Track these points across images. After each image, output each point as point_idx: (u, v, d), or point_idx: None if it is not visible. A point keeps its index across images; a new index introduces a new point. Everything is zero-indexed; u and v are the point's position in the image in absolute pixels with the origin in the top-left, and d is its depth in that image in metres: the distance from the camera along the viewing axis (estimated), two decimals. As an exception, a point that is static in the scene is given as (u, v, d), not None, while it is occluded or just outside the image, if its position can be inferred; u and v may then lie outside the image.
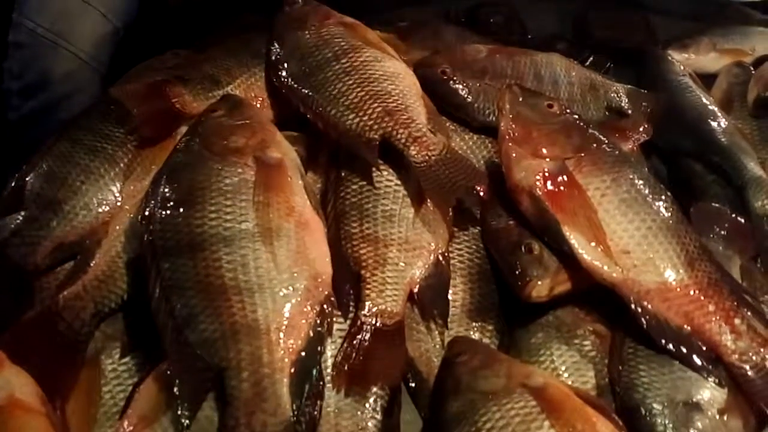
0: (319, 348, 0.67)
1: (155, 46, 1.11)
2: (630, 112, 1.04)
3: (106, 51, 1.24)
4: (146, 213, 0.74)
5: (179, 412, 0.64)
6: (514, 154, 0.81)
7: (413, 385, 0.78)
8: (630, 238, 0.77)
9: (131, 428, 0.65)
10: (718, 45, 1.20)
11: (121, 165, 0.84)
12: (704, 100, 1.07)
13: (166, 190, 0.74)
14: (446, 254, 0.82)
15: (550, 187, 0.79)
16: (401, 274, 0.80)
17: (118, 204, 0.82)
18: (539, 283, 0.78)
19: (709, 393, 0.71)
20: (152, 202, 0.74)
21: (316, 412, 0.68)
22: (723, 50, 1.20)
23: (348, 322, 0.76)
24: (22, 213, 0.81)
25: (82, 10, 1.17)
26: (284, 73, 0.92)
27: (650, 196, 0.79)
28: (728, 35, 1.22)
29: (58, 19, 1.19)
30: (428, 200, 0.83)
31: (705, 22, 1.25)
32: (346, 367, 0.73)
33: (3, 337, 0.73)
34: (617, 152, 0.83)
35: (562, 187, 0.79)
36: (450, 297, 0.81)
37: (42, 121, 1.24)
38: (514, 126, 0.82)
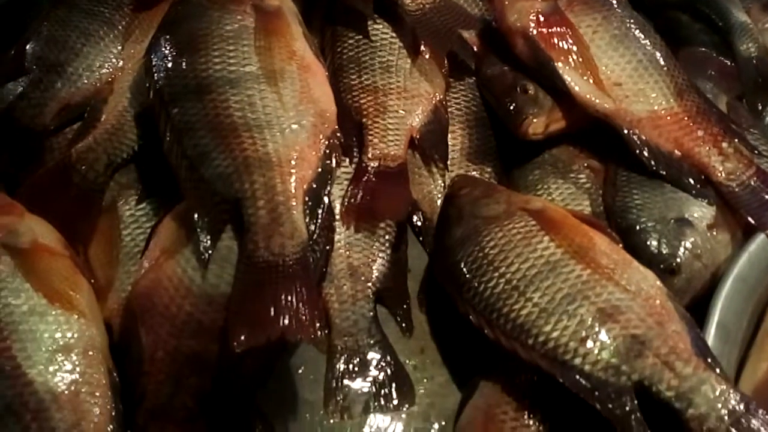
0: (328, 178, 0.70)
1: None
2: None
3: None
4: (151, 63, 0.75)
5: (200, 242, 0.67)
6: (506, -3, 0.83)
7: (419, 224, 0.82)
8: (621, 71, 0.80)
9: (154, 260, 0.68)
10: None
11: (120, 27, 0.85)
12: (689, -47, 1.08)
13: (169, 40, 0.75)
14: (444, 101, 0.85)
15: (543, 27, 0.81)
16: (402, 120, 0.82)
17: (120, 65, 0.83)
18: (535, 120, 0.81)
19: (699, 210, 0.75)
20: (156, 52, 0.75)
21: (328, 243, 0.72)
22: None
23: (353, 166, 0.80)
24: (26, 77, 0.82)
25: None
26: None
27: (639, 33, 0.82)
28: None
29: None
30: (424, 50, 0.86)
31: None
32: (354, 205, 0.77)
33: (21, 191, 0.76)
34: (607, -8, 0.85)
35: (554, 27, 0.81)
36: (449, 142, 0.85)
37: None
38: (505, -31, 0.84)
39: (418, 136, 0.82)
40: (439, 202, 0.81)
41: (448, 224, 0.74)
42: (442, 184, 0.83)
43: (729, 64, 0.94)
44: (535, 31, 0.81)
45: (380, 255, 0.76)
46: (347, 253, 0.75)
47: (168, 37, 0.76)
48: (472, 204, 0.74)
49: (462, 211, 0.74)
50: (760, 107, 0.90)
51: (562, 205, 0.79)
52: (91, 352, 0.65)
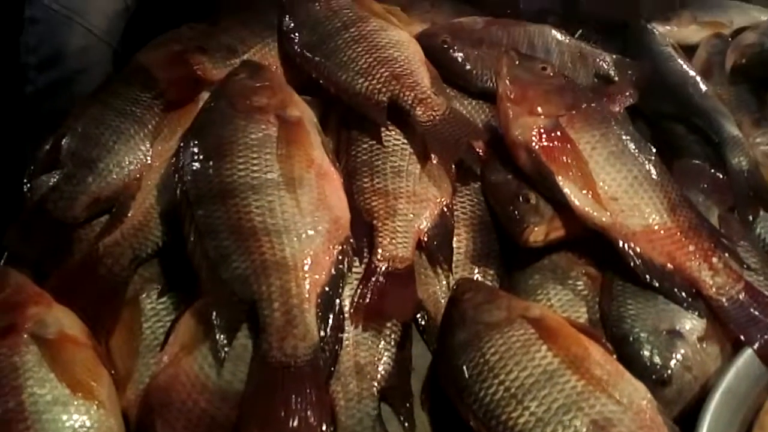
0: (340, 282, 0.74)
1: (163, 22, 1.18)
2: (617, 79, 1.11)
3: (118, 27, 1.30)
4: (179, 165, 0.81)
5: (217, 341, 0.71)
6: (511, 113, 0.88)
7: (423, 323, 0.85)
8: (618, 186, 0.84)
9: (173, 356, 0.72)
10: (698, 18, 1.27)
11: (149, 127, 0.90)
12: (685, 68, 1.15)
13: (197, 144, 0.81)
14: (450, 206, 0.90)
15: (545, 142, 0.86)
16: (410, 223, 0.87)
17: (148, 162, 0.89)
18: (536, 229, 0.86)
19: (690, 323, 0.79)
20: (184, 155, 0.81)
21: (338, 343, 0.76)
22: (703, 23, 1.27)
23: (363, 266, 0.84)
24: (59, 171, 0.88)
25: None
26: (297, 42, 0.99)
27: (636, 150, 0.87)
28: (708, 9, 1.29)
29: None
30: (433, 157, 0.91)
31: (685, -4, 1.32)
32: (363, 305, 0.80)
33: (49, 281, 0.80)
34: (606, 110, 0.91)
35: (556, 142, 0.86)
36: (454, 245, 0.89)
37: (57, 93, 1.30)
38: (511, 87, 0.89)
39: (425, 239, 0.87)
40: (443, 302, 0.85)
41: (451, 328, 0.78)
42: (446, 285, 0.87)
43: (721, 177, 0.99)
44: (537, 146, 0.86)
45: (386, 354, 0.80)
46: (354, 351, 0.79)
47: (196, 141, 0.82)
48: (474, 309, 0.78)
49: (465, 315, 0.78)
50: (750, 219, 0.95)
51: (560, 310, 0.83)
52: (109, 443, 0.69)
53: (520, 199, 0.87)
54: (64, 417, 0.69)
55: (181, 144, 0.83)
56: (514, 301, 0.80)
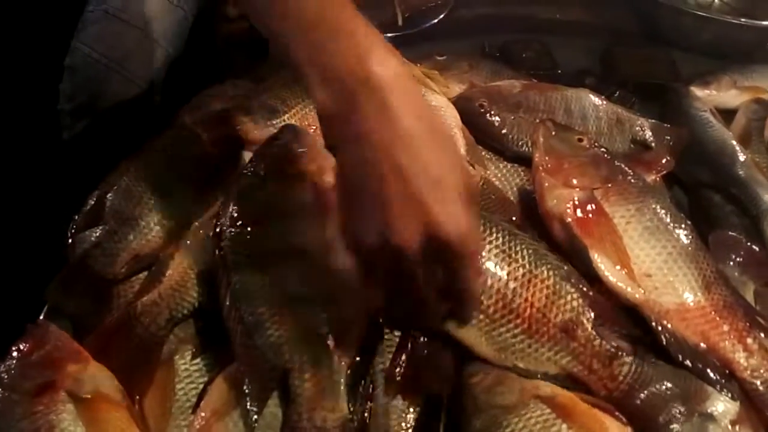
0: (371, 355, 0.75)
1: (206, 75, 1.21)
2: (654, 145, 1.11)
3: (159, 76, 1.33)
4: (217, 230, 0.82)
5: (248, 407, 0.72)
6: (546, 184, 0.89)
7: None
8: (652, 262, 0.84)
9: (204, 420, 0.73)
10: (738, 82, 1.27)
11: (191, 186, 0.93)
12: (724, 135, 1.14)
13: (235, 210, 0.83)
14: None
15: (579, 214, 0.87)
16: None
17: (189, 222, 0.91)
18: (569, 301, 0.86)
19: (723, 405, 0.78)
20: (223, 220, 0.83)
21: (367, 414, 0.76)
22: (743, 87, 1.26)
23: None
24: (102, 227, 0.90)
25: (138, 39, 1.26)
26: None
27: (671, 225, 0.87)
28: (748, 73, 1.28)
29: (113, 47, 1.27)
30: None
31: (726, 60, 1.32)
32: (397, 376, 0.80)
33: (88, 339, 0.82)
34: (641, 183, 0.91)
35: (590, 215, 0.86)
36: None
37: (94, 139, 1.33)
38: (547, 158, 0.90)
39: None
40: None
41: (467, 416, 0.77)
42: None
43: (758, 250, 0.98)
44: (571, 218, 0.86)
45: (416, 423, 0.80)
46: (383, 420, 0.79)
47: (235, 205, 0.83)
48: (486, 393, 0.78)
49: (477, 400, 0.77)
50: (788, 296, 0.94)
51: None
52: (140, 506, 0.70)
53: (554, 271, 0.88)
54: (97, 479, 0.70)
55: (221, 206, 0.85)
56: (525, 382, 0.79)
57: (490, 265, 0.80)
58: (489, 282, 0.80)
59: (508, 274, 0.80)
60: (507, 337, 0.79)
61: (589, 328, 0.80)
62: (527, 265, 0.81)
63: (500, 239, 0.82)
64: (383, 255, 0.62)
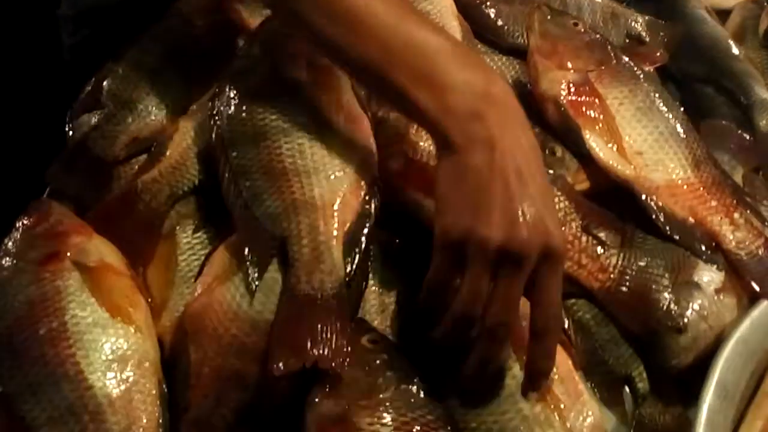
0: (367, 222, 0.77)
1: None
2: (648, 39, 1.12)
3: None
4: (214, 110, 0.83)
5: (249, 273, 0.74)
6: (541, 67, 0.90)
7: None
8: (643, 141, 0.86)
9: (207, 285, 0.76)
10: (734, -19, 1.27)
11: (188, 71, 0.93)
12: (718, 31, 1.14)
13: (232, 89, 0.84)
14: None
15: (573, 96, 0.88)
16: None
17: (186, 105, 0.92)
18: (561, 181, 0.88)
19: (708, 275, 0.81)
20: (219, 100, 0.84)
21: (363, 281, 0.78)
22: (738, -13, 1.26)
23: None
24: (100, 111, 0.91)
25: None
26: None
27: (663, 106, 0.89)
28: (744, -27, 1.28)
29: None
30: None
31: (722, -40, 1.31)
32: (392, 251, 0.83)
33: (90, 215, 0.84)
34: (635, 67, 0.92)
35: (584, 96, 0.88)
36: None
37: (97, 45, 1.33)
38: (542, 41, 0.91)
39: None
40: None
41: None
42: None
43: (748, 138, 0.99)
44: (565, 99, 0.88)
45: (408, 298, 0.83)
46: (380, 290, 0.82)
47: (231, 86, 0.84)
48: None
49: None
50: (775, 180, 0.96)
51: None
52: (145, 364, 0.72)
53: (547, 151, 0.89)
54: (104, 338, 0.72)
55: (217, 88, 0.85)
56: None
57: None
58: None
59: None
60: None
61: (576, 227, 0.82)
62: None
63: None
64: (497, 252, 0.66)
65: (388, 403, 0.68)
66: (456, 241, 0.67)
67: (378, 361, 0.70)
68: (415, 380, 0.70)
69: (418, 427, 0.67)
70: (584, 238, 0.82)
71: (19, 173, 0.92)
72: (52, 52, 1.33)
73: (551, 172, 0.85)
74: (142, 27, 1.30)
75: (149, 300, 0.78)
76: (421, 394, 0.69)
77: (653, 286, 0.80)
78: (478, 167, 0.67)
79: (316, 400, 0.68)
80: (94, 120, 0.91)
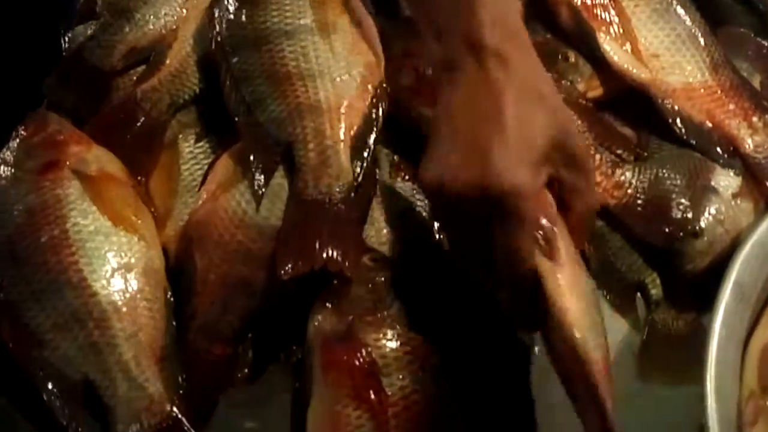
0: (374, 126, 0.74)
1: None
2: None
3: None
4: (213, 16, 0.81)
5: (254, 180, 0.72)
6: (553, -32, 0.86)
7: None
8: (660, 43, 0.83)
9: (211, 193, 0.74)
10: None
11: (185, -23, 0.90)
12: (736, -63, 1.10)
13: (229, -6, 0.81)
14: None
15: (587, -2, 0.85)
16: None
17: (184, 13, 0.88)
18: (575, 87, 0.85)
19: (725, 179, 0.79)
20: (218, 5, 0.81)
21: (371, 186, 0.76)
22: None
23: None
24: (97, 21, 0.88)
25: None
26: None
27: (680, 8, 0.85)
28: None
29: None
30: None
31: None
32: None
33: (89, 125, 0.82)
34: (651, -31, 0.88)
35: (598, -1, 0.84)
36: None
37: None
38: (555, -58, 0.87)
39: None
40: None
41: None
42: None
43: (766, 45, 0.96)
44: (578, 2, 0.84)
45: (419, 204, 0.81)
46: (389, 199, 0.80)
47: (230, -8, 0.81)
48: None
49: None
50: (793, 88, 0.93)
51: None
52: (150, 272, 0.71)
53: (560, 57, 0.86)
54: (107, 246, 0.71)
55: (214, -5, 0.82)
56: None
57: None
58: None
59: None
60: None
61: (589, 144, 0.79)
62: None
63: None
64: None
65: (392, 319, 0.67)
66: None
67: (381, 278, 0.69)
68: (418, 296, 0.69)
69: (423, 342, 0.66)
70: (598, 156, 0.79)
71: (15, 85, 0.89)
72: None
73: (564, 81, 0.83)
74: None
75: (153, 210, 0.76)
76: (425, 310, 0.68)
77: (670, 195, 0.78)
78: (471, 84, 0.60)
79: (320, 317, 0.67)
80: (90, 30, 0.88)
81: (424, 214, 0.80)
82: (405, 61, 0.81)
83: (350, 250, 0.67)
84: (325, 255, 0.67)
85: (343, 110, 0.74)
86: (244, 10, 0.80)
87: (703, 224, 0.76)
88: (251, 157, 0.73)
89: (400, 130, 0.81)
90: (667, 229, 0.76)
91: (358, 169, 0.73)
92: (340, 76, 0.75)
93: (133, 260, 0.71)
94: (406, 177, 0.80)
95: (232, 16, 0.80)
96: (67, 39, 0.89)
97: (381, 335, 0.66)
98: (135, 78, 0.86)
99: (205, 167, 0.79)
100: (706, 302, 0.71)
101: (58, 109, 0.85)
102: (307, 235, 0.68)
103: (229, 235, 0.72)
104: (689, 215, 0.76)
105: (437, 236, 0.79)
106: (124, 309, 0.69)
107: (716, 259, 0.76)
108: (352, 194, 0.71)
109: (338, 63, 0.76)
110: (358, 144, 0.73)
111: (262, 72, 0.76)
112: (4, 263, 0.70)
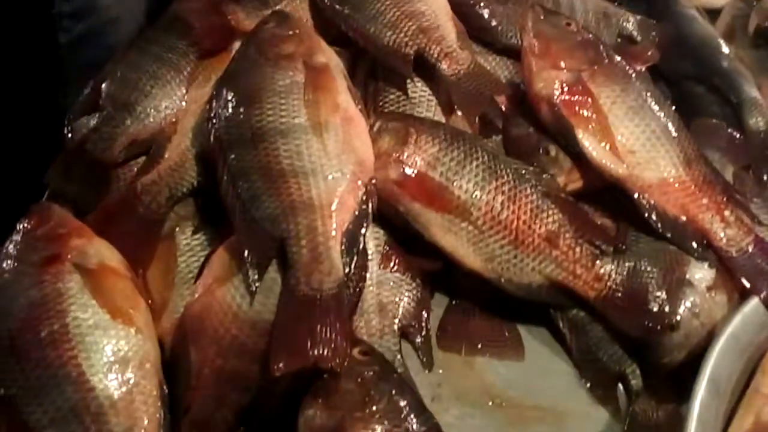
0: (364, 222, 0.78)
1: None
2: (639, 39, 1.13)
3: None
4: (212, 113, 0.84)
5: (249, 274, 0.75)
6: (535, 66, 0.91)
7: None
8: (635, 140, 0.87)
9: (207, 287, 0.77)
10: (724, -19, 1.28)
11: (185, 73, 0.94)
12: (708, 30, 1.16)
13: (228, 92, 0.85)
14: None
15: (566, 95, 0.89)
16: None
17: (184, 106, 0.92)
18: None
19: (700, 272, 0.82)
20: (217, 103, 0.85)
21: (361, 281, 0.79)
22: (729, -14, 1.27)
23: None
24: (99, 113, 0.92)
25: None
26: (327, -5, 1.01)
27: (654, 105, 0.90)
28: (734, -27, 1.29)
29: None
30: (457, 109, 0.94)
31: (713, -40, 1.32)
32: (390, 252, 0.84)
33: (90, 217, 0.85)
34: (627, 67, 0.93)
35: (577, 96, 0.89)
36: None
37: (91, 43, 1.33)
38: (535, 41, 0.92)
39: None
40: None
41: None
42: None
43: (738, 136, 1.01)
44: (558, 99, 0.89)
45: (407, 294, 0.84)
46: (377, 290, 0.83)
47: (228, 88, 0.85)
48: None
49: None
50: (765, 178, 0.97)
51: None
52: (146, 365, 0.73)
53: (541, 151, 0.90)
54: (105, 340, 0.73)
55: (215, 91, 0.86)
56: None
57: (478, 180, 0.83)
58: (478, 195, 0.82)
59: (495, 189, 0.83)
60: (495, 248, 0.82)
61: (570, 237, 0.83)
62: (512, 182, 0.84)
63: (485, 157, 0.85)
64: None
65: (381, 415, 0.69)
66: None
67: (370, 373, 0.71)
68: (407, 391, 0.72)
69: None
70: (578, 249, 0.83)
71: (18, 175, 0.92)
72: (48, 52, 1.34)
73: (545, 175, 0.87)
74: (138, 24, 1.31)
75: (149, 301, 0.79)
76: (414, 405, 0.71)
77: (647, 288, 0.82)
78: None
79: (310, 412, 0.69)
80: (92, 122, 0.92)
81: (413, 303, 0.84)
82: (393, 155, 0.85)
83: (340, 347, 0.70)
84: (316, 352, 0.69)
85: (334, 207, 0.77)
86: (241, 108, 0.83)
87: (679, 318, 0.79)
88: (246, 252, 0.76)
89: (389, 221, 0.86)
90: (645, 322, 0.80)
91: (349, 265, 0.76)
92: (332, 173, 0.79)
93: (130, 354, 0.73)
94: (395, 268, 0.84)
95: (229, 113, 0.84)
96: (70, 130, 0.93)
97: (370, 430, 0.68)
98: (135, 168, 0.90)
99: (202, 259, 0.82)
100: (685, 393, 0.75)
101: (60, 199, 0.88)
102: (298, 332, 0.71)
103: (224, 330, 0.74)
104: (666, 308, 0.80)
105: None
106: (121, 403, 0.71)
107: (693, 351, 0.79)
108: (343, 290, 0.74)
109: (330, 161, 0.79)
110: (349, 240, 0.76)
111: (257, 169, 0.80)
112: (5, 358, 0.72)
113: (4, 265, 0.78)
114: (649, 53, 1.08)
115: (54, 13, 1.35)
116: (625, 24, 1.14)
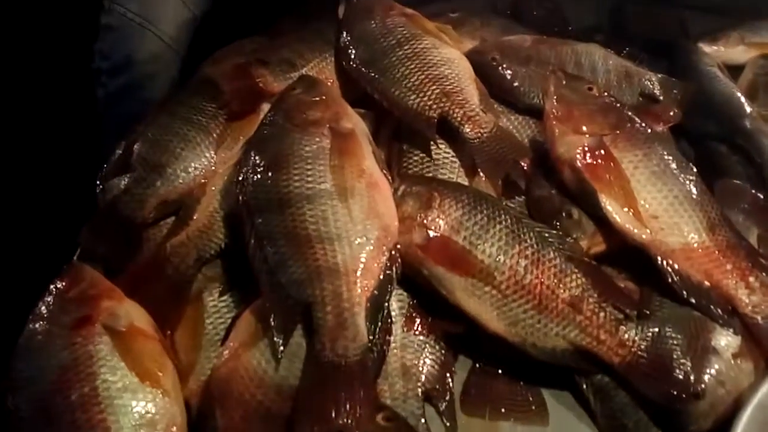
0: (389, 287, 0.79)
1: (228, 33, 1.25)
2: (661, 98, 1.14)
3: (186, 36, 1.38)
4: (240, 177, 0.86)
5: (274, 339, 0.76)
6: (557, 131, 0.92)
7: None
8: (658, 205, 0.87)
9: (233, 351, 0.78)
10: (746, 39, 1.28)
11: (214, 135, 0.97)
12: (731, 88, 1.16)
13: (256, 157, 0.87)
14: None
15: (588, 160, 0.90)
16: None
17: (213, 168, 0.95)
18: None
19: (725, 339, 0.82)
20: (244, 167, 0.86)
21: (385, 345, 0.80)
22: (750, 43, 1.28)
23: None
24: (130, 174, 0.95)
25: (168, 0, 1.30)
26: (353, 58, 1.04)
27: (677, 169, 0.90)
28: (756, 30, 1.30)
29: (144, 4, 1.32)
30: (480, 172, 0.96)
31: (735, 17, 1.33)
32: (414, 315, 0.85)
33: (120, 278, 0.87)
34: (649, 130, 0.93)
35: (599, 160, 0.89)
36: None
37: (127, 98, 1.38)
38: (557, 106, 0.93)
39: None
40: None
41: None
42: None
43: (762, 197, 1.01)
44: (581, 163, 0.90)
45: (430, 357, 0.84)
46: (401, 353, 0.83)
47: (256, 153, 0.87)
48: None
49: None
50: (790, 241, 0.97)
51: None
52: (172, 429, 0.75)
53: (563, 214, 0.91)
54: (133, 403, 0.75)
55: (243, 155, 0.89)
56: None
57: (501, 244, 0.84)
58: (501, 259, 0.83)
59: (518, 253, 0.83)
60: (518, 312, 0.83)
61: (594, 302, 0.83)
62: (535, 246, 0.85)
63: (509, 221, 0.85)
64: None
65: None
66: None
67: None
68: None
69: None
70: (602, 314, 0.83)
71: (51, 234, 0.95)
72: (85, 107, 1.38)
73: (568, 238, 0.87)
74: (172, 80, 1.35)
75: (176, 363, 0.80)
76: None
77: (671, 355, 0.81)
78: None
79: None
80: (124, 183, 0.94)
81: (437, 366, 0.84)
82: (417, 219, 0.85)
83: (364, 414, 0.71)
84: (340, 421, 0.70)
85: (359, 273, 0.78)
86: (269, 173, 0.85)
87: (704, 385, 0.79)
88: (272, 317, 0.77)
89: (413, 284, 0.87)
90: (670, 390, 0.79)
91: (374, 330, 0.77)
92: (357, 239, 0.80)
93: (157, 417, 0.75)
94: (419, 331, 0.85)
95: (257, 177, 0.85)
96: (102, 190, 0.95)
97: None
98: (164, 228, 0.92)
99: (228, 321, 0.83)
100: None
101: (91, 258, 0.91)
102: (323, 399, 0.72)
103: (249, 395, 0.75)
104: (691, 377, 0.79)
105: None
106: (148, 467, 0.72)
107: (719, 419, 0.78)
108: (367, 356, 0.75)
109: (356, 227, 0.81)
110: (373, 305, 0.77)
111: (284, 234, 0.81)
112: (38, 421, 0.74)
113: (37, 326, 0.80)
114: (672, 113, 1.09)
115: (92, 68, 1.39)
116: (646, 83, 1.14)
